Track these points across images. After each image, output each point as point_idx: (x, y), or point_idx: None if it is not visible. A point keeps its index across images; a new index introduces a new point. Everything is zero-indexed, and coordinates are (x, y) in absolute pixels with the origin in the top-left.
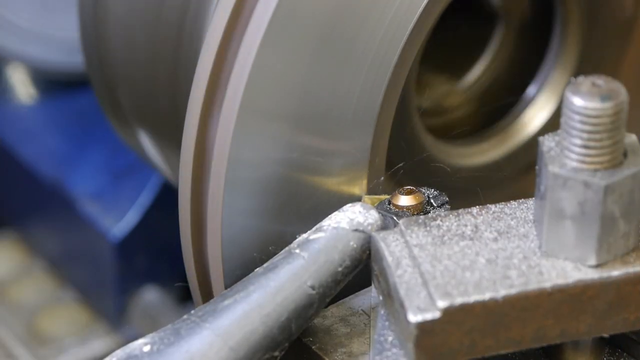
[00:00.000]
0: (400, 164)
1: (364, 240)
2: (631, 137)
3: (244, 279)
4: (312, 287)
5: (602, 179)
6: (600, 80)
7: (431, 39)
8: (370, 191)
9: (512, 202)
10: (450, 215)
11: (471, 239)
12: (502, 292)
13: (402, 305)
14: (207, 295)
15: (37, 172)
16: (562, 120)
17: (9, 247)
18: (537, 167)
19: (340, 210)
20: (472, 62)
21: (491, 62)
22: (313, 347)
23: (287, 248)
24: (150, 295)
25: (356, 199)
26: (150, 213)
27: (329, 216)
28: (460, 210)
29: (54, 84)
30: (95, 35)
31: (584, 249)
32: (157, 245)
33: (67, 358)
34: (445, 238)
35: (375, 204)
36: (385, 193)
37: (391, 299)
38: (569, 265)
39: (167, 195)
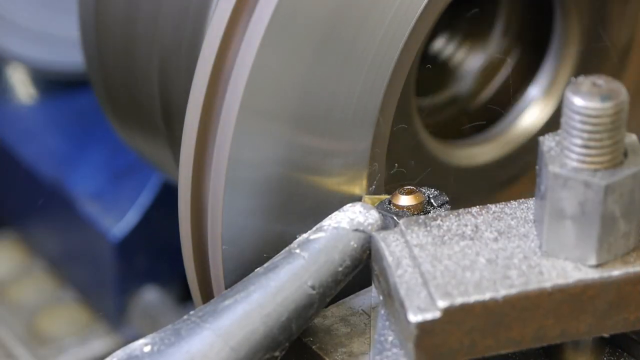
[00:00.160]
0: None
1: (364, 240)
2: (631, 137)
3: (244, 279)
4: (313, 287)
5: (602, 178)
6: (601, 80)
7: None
8: (371, 191)
9: (513, 202)
10: (451, 215)
11: (471, 238)
12: (502, 292)
13: (402, 305)
14: (207, 295)
15: (37, 172)
16: (563, 120)
17: (9, 247)
18: (537, 167)
19: (341, 210)
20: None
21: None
22: (313, 347)
23: (287, 248)
24: (150, 295)
25: (356, 198)
26: (150, 213)
27: (329, 216)
28: (460, 210)
29: (54, 84)
30: (95, 35)
31: (585, 249)
32: (157, 245)
33: (67, 358)
34: (446, 238)
35: (376, 204)
36: (385, 193)
37: (391, 299)
38: (569, 265)
39: (167, 195)
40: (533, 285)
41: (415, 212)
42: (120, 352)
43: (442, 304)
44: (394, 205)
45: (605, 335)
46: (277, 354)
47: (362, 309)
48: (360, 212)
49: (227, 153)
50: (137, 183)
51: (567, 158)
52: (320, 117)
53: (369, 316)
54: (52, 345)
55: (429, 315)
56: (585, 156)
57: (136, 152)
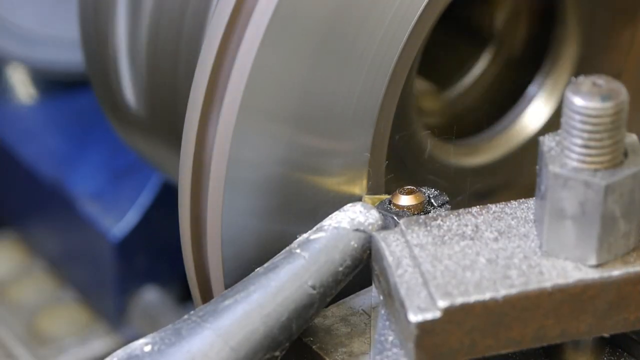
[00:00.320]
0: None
1: (365, 240)
2: (631, 137)
3: (245, 279)
4: (313, 287)
5: (602, 178)
6: (601, 80)
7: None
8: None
9: (513, 202)
10: (451, 215)
11: (472, 238)
12: (502, 292)
13: (402, 305)
14: (207, 295)
15: (37, 172)
16: (563, 120)
17: (9, 247)
18: (537, 167)
19: (341, 210)
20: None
21: (491, 62)
22: (314, 346)
23: (287, 248)
24: (150, 295)
25: (356, 198)
26: (150, 213)
27: (330, 216)
28: (460, 210)
29: (54, 84)
30: (95, 35)
31: (585, 249)
32: (157, 245)
33: (67, 358)
34: (446, 238)
35: (376, 204)
36: (385, 193)
37: (392, 299)
38: (569, 265)
39: (167, 195)
40: (533, 285)
41: (416, 212)
42: (120, 352)
43: (443, 303)
44: (394, 205)
45: (606, 335)
46: (277, 353)
47: (362, 309)
48: (360, 212)
49: (227, 153)
50: (137, 183)
51: (567, 158)
52: (320, 117)
53: (369, 316)
54: (52, 345)
55: (429, 315)
56: (585, 156)
57: (136, 152)
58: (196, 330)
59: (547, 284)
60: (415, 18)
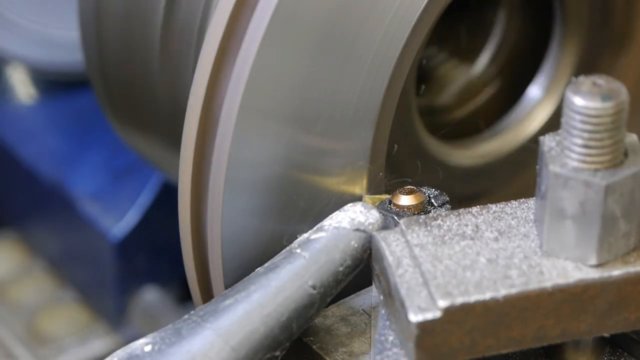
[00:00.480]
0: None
1: (365, 240)
2: (632, 137)
3: (245, 278)
4: (313, 287)
5: (602, 178)
6: (601, 80)
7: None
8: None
9: (513, 202)
10: (451, 215)
11: (472, 238)
12: (502, 292)
13: (402, 305)
14: (207, 295)
15: (37, 172)
16: (563, 120)
17: (9, 247)
18: (537, 167)
19: (341, 209)
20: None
21: (491, 62)
22: (314, 346)
23: (287, 248)
24: (150, 295)
25: (357, 198)
26: (150, 213)
27: (330, 216)
28: (460, 210)
29: (54, 84)
30: (95, 35)
31: (585, 249)
32: (157, 245)
33: (67, 358)
34: (446, 238)
35: (376, 204)
36: (385, 193)
37: (392, 299)
38: (569, 265)
39: (167, 195)
40: (533, 285)
41: (416, 212)
42: (120, 352)
43: (443, 303)
44: (395, 205)
45: (606, 335)
46: (277, 353)
47: (362, 309)
48: (360, 211)
49: (227, 153)
50: (137, 183)
51: (568, 158)
52: (320, 117)
53: (370, 316)
54: (52, 345)
55: (430, 315)
56: (585, 156)
57: (136, 152)
58: (196, 330)
59: (548, 283)
60: (415, 18)
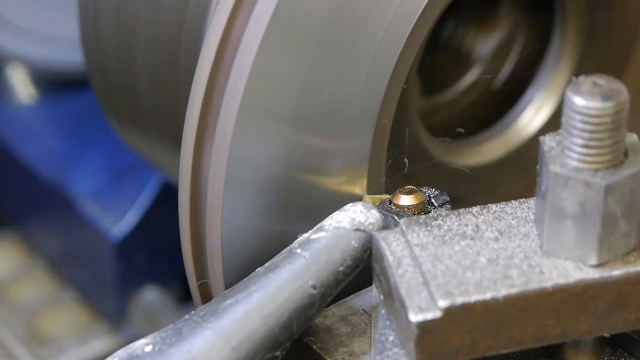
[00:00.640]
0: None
1: (365, 240)
2: (632, 137)
3: (245, 278)
4: (314, 287)
5: (602, 178)
6: (601, 80)
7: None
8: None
9: (513, 202)
10: (451, 215)
11: (472, 238)
12: (503, 292)
13: (403, 305)
14: (207, 295)
15: (37, 172)
16: (563, 119)
17: (9, 247)
18: (537, 167)
19: (341, 209)
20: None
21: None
22: (314, 346)
23: (288, 248)
24: (150, 295)
25: (357, 198)
26: (150, 213)
27: (330, 216)
28: (461, 210)
29: (54, 84)
30: (95, 35)
31: (585, 249)
32: (157, 245)
33: (67, 358)
34: (446, 237)
35: (376, 204)
36: (386, 192)
37: (392, 299)
38: (569, 265)
39: (167, 195)
40: (534, 285)
41: (416, 212)
42: (121, 352)
43: (443, 303)
44: (395, 205)
45: (606, 335)
46: (278, 353)
47: (362, 309)
48: (361, 211)
49: (227, 153)
50: (137, 183)
51: (568, 158)
52: (320, 117)
53: (370, 316)
54: (52, 345)
55: (430, 315)
56: (585, 156)
57: (136, 152)
58: (197, 330)
59: (548, 283)
60: (415, 18)
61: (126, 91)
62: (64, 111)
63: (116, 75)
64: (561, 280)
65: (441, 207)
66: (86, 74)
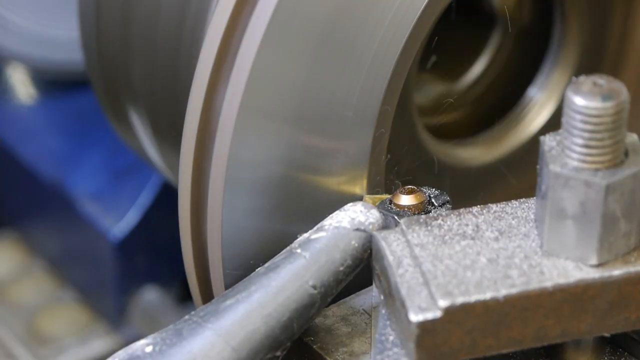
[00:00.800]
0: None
1: (365, 240)
2: (632, 137)
3: (246, 278)
4: (314, 287)
5: (603, 178)
6: (602, 80)
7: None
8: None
9: (514, 202)
10: (452, 215)
11: (472, 238)
12: (503, 292)
13: (403, 305)
14: (207, 295)
15: (37, 172)
16: (564, 119)
17: (9, 247)
18: (538, 167)
19: (342, 209)
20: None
21: (491, 62)
22: (314, 346)
23: (288, 248)
24: (150, 295)
25: (357, 198)
26: (150, 213)
27: (330, 215)
28: (461, 210)
29: (54, 84)
30: (95, 34)
31: (585, 249)
32: (157, 245)
33: (67, 358)
34: (447, 237)
35: (376, 204)
36: (385, 192)
37: (392, 299)
38: (570, 265)
39: (167, 195)
40: (534, 284)
41: (416, 212)
42: (121, 353)
43: (443, 303)
44: (395, 204)
45: (606, 334)
46: (278, 353)
47: (363, 309)
48: (361, 211)
49: (227, 153)
50: (137, 183)
51: (568, 158)
52: (320, 117)
53: (370, 316)
54: (52, 345)
55: (430, 315)
56: (586, 156)
57: (136, 152)
58: (197, 331)
59: (548, 283)
60: (415, 18)
61: (126, 91)
62: (64, 111)
63: (116, 75)
64: (561, 280)
65: (441, 206)
66: (86, 73)
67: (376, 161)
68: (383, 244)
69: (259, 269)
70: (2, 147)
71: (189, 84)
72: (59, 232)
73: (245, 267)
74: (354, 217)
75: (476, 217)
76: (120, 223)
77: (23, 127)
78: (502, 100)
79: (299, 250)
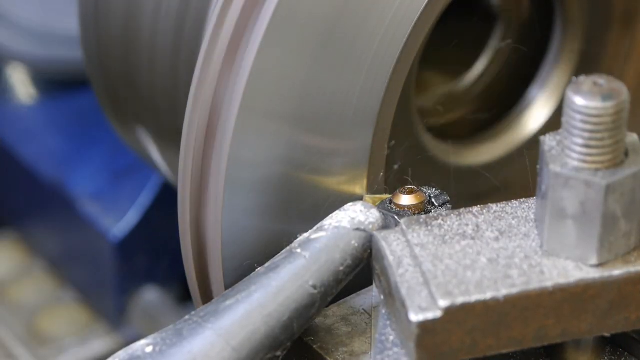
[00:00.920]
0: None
1: (366, 240)
2: (632, 137)
3: (246, 278)
4: (314, 287)
5: (603, 178)
6: (602, 80)
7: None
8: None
9: (514, 202)
10: (452, 215)
11: (472, 238)
12: (503, 292)
13: (403, 305)
14: (207, 295)
15: (37, 172)
16: (564, 119)
17: (9, 247)
18: (538, 167)
19: (342, 209)
20: (472, 62)
21: (491, 62)
22: (314, 346)
23: (288, 247)
24: (150, 295)
25: (357, 198)
26: (150, 213)
27: (330, 215)
28: (461, 210)
29: (54, 84)
30: (95, 34)
31: (586, 249)
32: (157, 245)
33: (67, 358)
34: (447, 237)
35: (377, 203)
36: (385, 192)
37: (392, 298)
38: (570, 265)
39: (167, 195)
40: (534, 284)
41: (417, 212)
42: (122, 353)
43: (443, 303)
44: (395, 204)
45: (607, 334)
46: (278, 353)
47: (363, 309)
48: (361, 211)
49: (227, 153)
50: (137, 183)
51: (568, 157)
52: (320, 116)
53: (370, 315)
54: (52, 345)
55: (430, 315)
56: (586, 156)
57: (136, 152)
58: (197, 331)
59: (548, 283)
60: (415, 18)
61: (126, 91)
62: (64, 111)
63: (116, 75)
64: (562, 280)
65: (441, 206)
66: (86, 73)
67: (376, 161)
68: (383, 243)
69: (259, 269)
70: (2, 147)
71: (189, 84)
72: (59, 232)
73: (245, 267)
74: (354, 217)
75: (476, 217)
76: (120, 223)
77: (23, 127)
78: (502, 100)
79: (299, 250)
